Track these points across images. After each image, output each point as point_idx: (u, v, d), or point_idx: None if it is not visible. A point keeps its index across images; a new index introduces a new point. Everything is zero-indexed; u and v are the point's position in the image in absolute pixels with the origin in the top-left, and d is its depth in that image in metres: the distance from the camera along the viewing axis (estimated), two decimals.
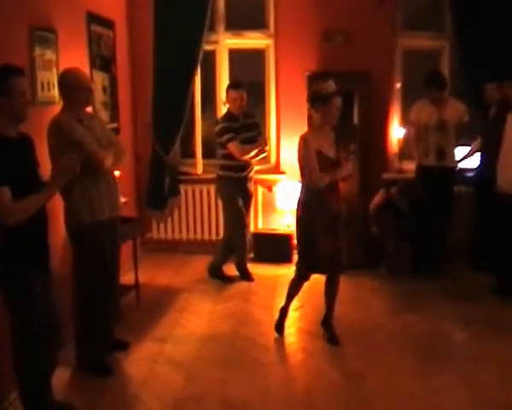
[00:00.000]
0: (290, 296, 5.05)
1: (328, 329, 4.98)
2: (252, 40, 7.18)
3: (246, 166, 6.23)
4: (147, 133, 6.78)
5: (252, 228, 7.10)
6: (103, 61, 5.92)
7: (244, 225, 6.34)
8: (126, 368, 4.48)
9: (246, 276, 6.45)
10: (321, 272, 4.85)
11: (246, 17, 7.15)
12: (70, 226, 4.25)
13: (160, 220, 7.16)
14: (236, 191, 6.22)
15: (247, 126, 6.18)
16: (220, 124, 6.15)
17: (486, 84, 6.15)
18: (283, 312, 5.09)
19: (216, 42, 7.07)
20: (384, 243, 6.49)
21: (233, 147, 6.05)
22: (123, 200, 5.40)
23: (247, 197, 6.39)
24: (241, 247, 6.41)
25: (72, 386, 4.22)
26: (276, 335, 5.01)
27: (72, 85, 4.13)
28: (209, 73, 7.05)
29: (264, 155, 6.42)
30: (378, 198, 6.49)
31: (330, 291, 4.92)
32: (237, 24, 7.09)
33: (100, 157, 4.13)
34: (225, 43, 7.10)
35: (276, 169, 7.24)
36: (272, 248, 6.92)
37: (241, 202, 6.23)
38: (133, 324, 5.19)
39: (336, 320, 5.10)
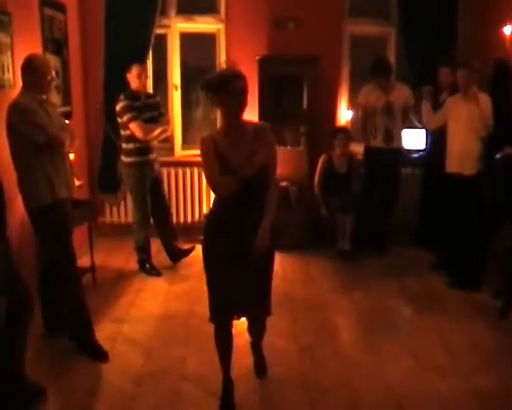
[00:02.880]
0: (222, 360, 3.91)
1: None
2: (203, 25, 7.24)
3: (149, 149, 5.99)
4: (99, 117, 6.79)
5: (204, 210, 7.27)
6: (55, 44, 5.92)
7: (147, 219, 6.14)
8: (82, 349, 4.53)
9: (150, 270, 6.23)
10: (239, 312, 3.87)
11: (197, 2, 7.22)
12: (30, 208, 4.28)
13: (113, 204, 7.20)
14: (142, 177, 5.97)
15: (148, 106, 5.97)
16: (121, 102, 5.83)
17: (440, 68, 6.36)
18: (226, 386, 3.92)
19: (167, 26, 7.11)
20: (334, 223, 6.71)
21: (135, 127, 5.77)
22: (78, 183, 5.46)
23: (155, 181, 6.14)
24: (140, 240, 6.18)
25: (35, 366, 4.21)
26: None
27: (37, 70, 4.18)
28: (160, 58, 7.10)
29: (167, 134, 6.26)
30: (319, 166, 6.69)
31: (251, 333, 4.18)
32: (188, 8, 7.15)
33: (62, 138, 4.22)
34: (177, 27, 7.15)
35: None
36: None
37: (146, 191, 6.01)
38: (90, 305, 5.20)
39: (287, 298, 5.33)
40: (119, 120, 5.90)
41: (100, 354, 4.42)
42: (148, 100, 6.04)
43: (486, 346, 4.64)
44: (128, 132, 5.86)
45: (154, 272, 6.15)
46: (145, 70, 5.98)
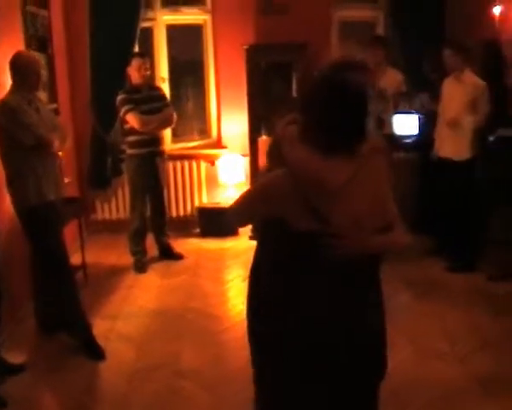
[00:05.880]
0: None
1: None
2: (189, 16, 7.17)
3: (152, 141, 5.93)
4: (86, 113, 6.71)
5: (196, 203, 7.20)
6: (39, 41, 5.82)
7: (141, 211, 6.05)
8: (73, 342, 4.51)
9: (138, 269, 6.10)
10: None
11: None
12: (18, 209, 4.23)
13: (104, 200, 7.12)
14: (140, 170, 5.90)
15: (150, 98, 5.88)
16: (119, 96, 5.81)
17: (444, 50, 5.94)
18: None
19: (153, 19, 7.02)
20: None
21: (131, 118, 5.72)
22: (66, 180, 5.39)
23: (157, 174, 6.05)
24: (132, 230, 6.11)
25: (30, 364, 4.21)
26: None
27: (23, 68, 4.12)
28: (147, 51, 7.00)
29: (170, 125, 6.20)
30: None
31: None
32: (174, 0, 7.08)
33: (50, 139, 4.15)
34: (162, 19, 7.06)
35: (218, 143, 7.29)
36: (217, 222, 6.91)
37: (144, 183, 5.95)
38: (83, 303, 5.18)
39: None
40: (120, 114, 5.88)
41: (97, 353, 4.35)
42: (152, 92, 6.01)
43: (485, 329, 4.58)
44: (128, 126, 5.84)
45: (137, 267, 6.07)
46: (145, 63, 5.90)
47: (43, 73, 5.75)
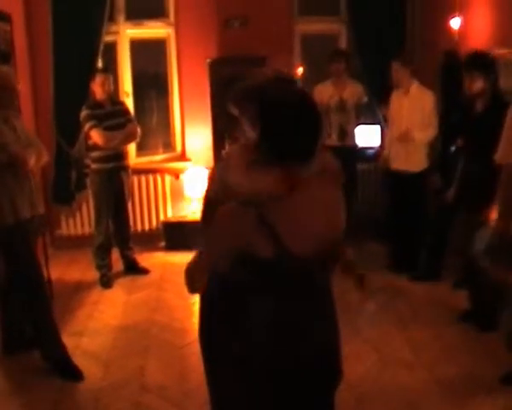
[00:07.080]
0: None
1: None
2: (152, 29, 7.18)
3: (117, 155, 5.93)
4: (50, 127, 6.67)
5: (161, 216, 7.20)
6: (1, 55, 5.78)
7: (106, 227, 6.04)
8: (46, 364, 4.41)
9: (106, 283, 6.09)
10: None
11: (146, 6, 7.15)
12: None
13: (69, 215, 7.07)
14: (104, 185, 5.90)
15: (113, 113, 5.88)
16: (82, 112, 5.79)
17: (393, 64, 5.90)
18: None
19: (116, 32, 7.02)
20: None
21: (95, 134, 5.73)
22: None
23: (121, 188, 6.06)
24: (98, 247, 6.07)
25: None
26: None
27: None
28: (111, 65, 6.98)
29: (135, 140, 6.18)
30: None
31: None
32: (137, 13, 7.07)
33: (24, 158, 4.08)
34: (126, 33, 7.06)
35: (182, 157, 7.30)
36: (183, 235, 6.91)
37: (108, 198, 5.95)
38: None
39: None
40: (83, 129, 5.88)
41: (73, 373, 4.25)
42: (115, 107, 5.99)
43: (449, 337, 4.65)
44: (92, 141, 5.83)
45: (103, 282, 6.03)
46: (108, 78, 5.88)
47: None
